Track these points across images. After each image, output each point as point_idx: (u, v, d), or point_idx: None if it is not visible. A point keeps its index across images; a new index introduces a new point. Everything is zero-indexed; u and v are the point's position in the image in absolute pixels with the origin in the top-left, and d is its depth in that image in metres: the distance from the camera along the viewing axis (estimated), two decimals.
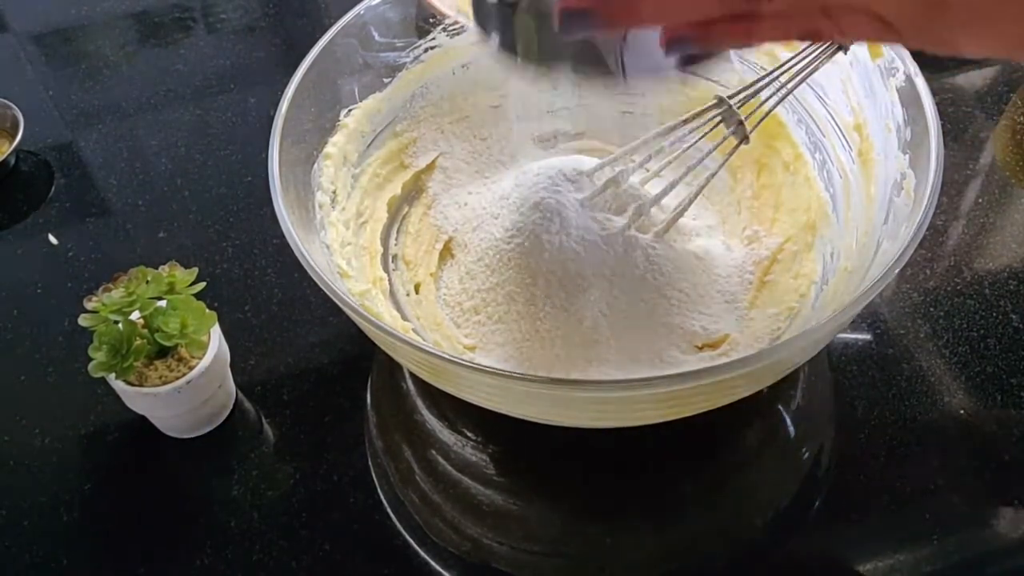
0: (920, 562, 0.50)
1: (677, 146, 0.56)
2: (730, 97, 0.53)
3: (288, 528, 0.52)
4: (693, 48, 0.36)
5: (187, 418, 0.55)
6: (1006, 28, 0.29)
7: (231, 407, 0.57)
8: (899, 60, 0.53)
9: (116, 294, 0.50)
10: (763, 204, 0.62)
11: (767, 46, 0.55)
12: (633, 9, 0.33)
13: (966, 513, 0.52)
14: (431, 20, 0.63)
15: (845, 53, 0.52)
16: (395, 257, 0.62)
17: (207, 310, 0.52)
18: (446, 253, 0.62)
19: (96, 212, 0.71)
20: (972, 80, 0.76)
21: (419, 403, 0.58)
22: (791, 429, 0.56)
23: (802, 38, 0.35)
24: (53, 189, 0.72)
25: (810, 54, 0.51)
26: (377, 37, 0.61)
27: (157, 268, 0.52)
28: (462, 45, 0.64)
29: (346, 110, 0.60)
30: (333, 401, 0.58)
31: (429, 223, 0.63)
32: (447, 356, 0.43)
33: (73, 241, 0.68)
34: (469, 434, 0.56)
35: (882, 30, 0.31)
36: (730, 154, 0.55)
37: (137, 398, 0.52)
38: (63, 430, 0.57)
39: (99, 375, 0.50)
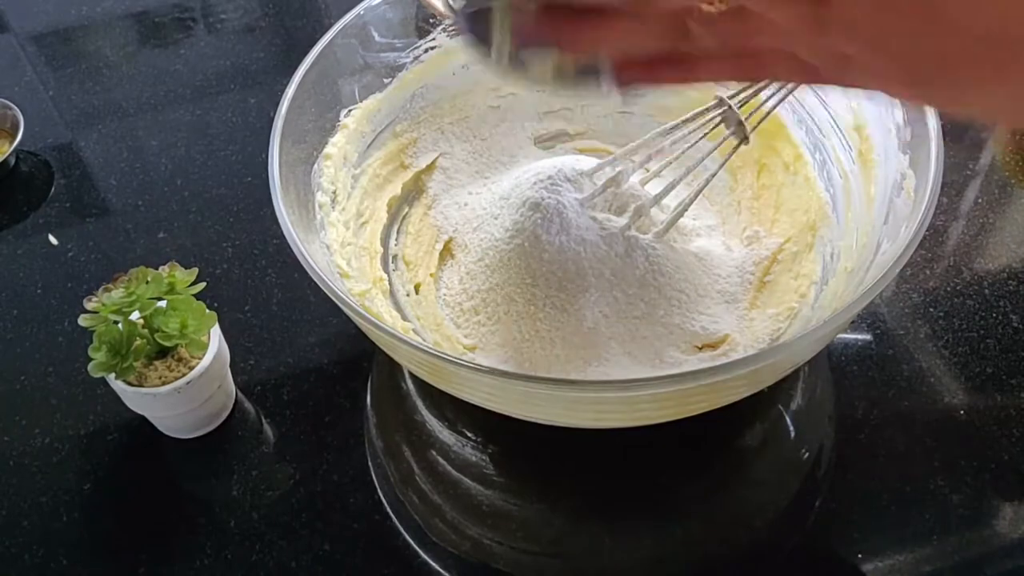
0: (920, 562, 0.50)
1: (677, 146, 0.56)
2: (730, 97, 0.53)
3: (288, 528, 0.52)
4: (643, 85, 0.37)
5: (187, 418, 0.55)
6: (900, 77, 0.31)
7: (231, 407, 0.57)
8: None
9: (116, 294, 0.50)
10: (763, 204, 0.62)
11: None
12: (577, 38, 0.35)
13: (966, 513, 0.52)
14: (431, 20, 0.63)
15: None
16: (395, 257, 0.62)
17: (207, 310, 0.52)
18: (446, 253, 0.62)
19: (96, 212, 0.71)
20: None
21: (419, 403, 0.58)
22: (791, 429, 0.56)
23: (739, 79, 0.37)
24: (53, 189, 0.73)
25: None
26: (377, 37, 0.61)
27: (157, 268, 0.52)
28: (462, 45, 0.64)
29: (346, 110, 0.60)
30: (333, 401, 0.58)
31: (429, 223, 0.63)
32: (447, 356, 0.43)
33: (73, 241, 0.68)
34: (469, 434, 0.56)
35: (805, 72, 0.34)
36: (730, 154, 0.55)
37: (137, 398, 0.52)
38: (63, 430, 0.57)
39: (99, 375, 0.50)
